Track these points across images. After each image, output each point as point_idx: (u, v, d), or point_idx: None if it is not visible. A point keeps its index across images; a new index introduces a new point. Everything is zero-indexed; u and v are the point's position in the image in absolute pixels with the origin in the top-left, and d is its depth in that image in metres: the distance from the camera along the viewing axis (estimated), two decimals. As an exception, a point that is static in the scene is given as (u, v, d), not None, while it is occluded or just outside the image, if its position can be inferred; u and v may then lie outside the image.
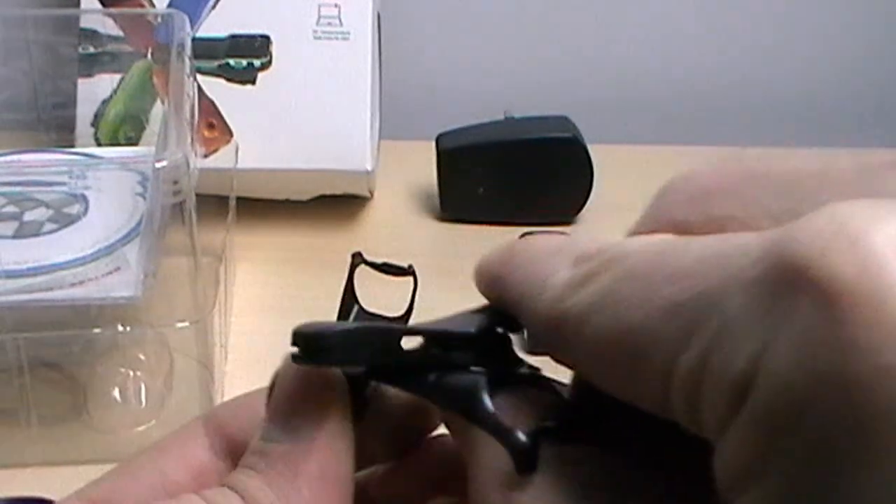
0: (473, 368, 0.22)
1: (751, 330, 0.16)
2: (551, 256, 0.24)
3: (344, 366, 0.24)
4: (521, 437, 0.20)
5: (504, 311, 0.24)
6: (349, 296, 0.50)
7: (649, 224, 0.23)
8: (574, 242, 0.24)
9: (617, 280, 0.20)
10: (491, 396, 0.22)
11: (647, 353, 0.19)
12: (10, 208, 0.54)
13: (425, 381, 0.22)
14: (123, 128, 0.67)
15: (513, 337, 0.24)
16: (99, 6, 0.68)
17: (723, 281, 0.17)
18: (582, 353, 0.21)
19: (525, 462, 0.20)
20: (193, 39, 0.58)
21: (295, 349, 0.23)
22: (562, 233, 0.25)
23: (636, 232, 0.23)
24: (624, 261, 0.20)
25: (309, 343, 0.22)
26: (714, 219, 0.21)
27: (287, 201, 0.69)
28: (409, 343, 0.23)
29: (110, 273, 0.50)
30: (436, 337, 0.23)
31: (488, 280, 0.26)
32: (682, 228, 0.22)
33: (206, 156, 0.64)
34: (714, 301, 0.18)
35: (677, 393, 0.18)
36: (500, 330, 0.24)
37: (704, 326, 0.18)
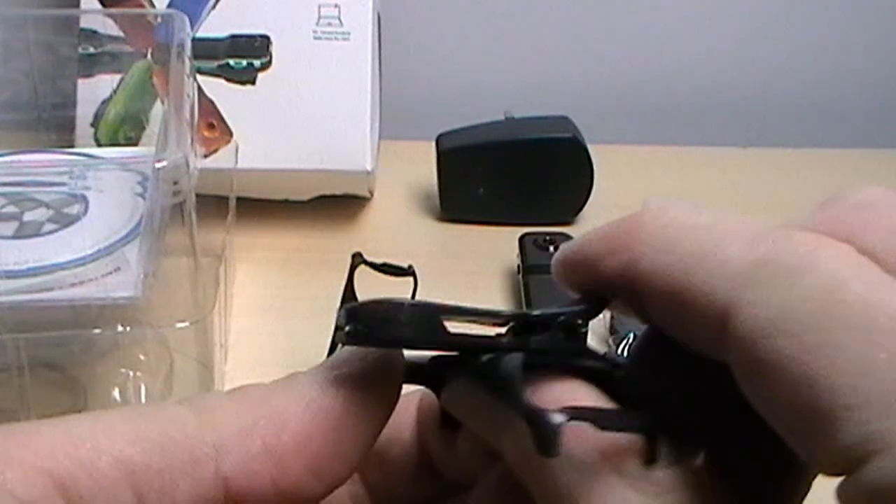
0: (514, 355, 0.20)
1: None
2: (710, 229, 0.19)
3: (410, 347, 0.21)
4: (551, 417, 0.18)
5: (595, 295, 0.21)
6: (349, 296, 0.50)
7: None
8: (735, 220, 0.19)
9: (823, 303, 0.17)
10: (531, 381, 0.20)
11: (835, 423, 0.16)
12: (10, 208, 0.54)
13: (474, 363, 0.21)
14: (123, 128, 0.67)
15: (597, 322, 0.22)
16: (99, 6, 0.68)
17: None
18: (744, 363, 0.18)
19: (545, 443, 0.18)
20: (193, 39, 0.58)
21: (348, 327, 0.20)
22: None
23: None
24: (837, 283, 0.17)
25: (374, 319, 0.20)
26: None
27: (287, 201, 0.69)
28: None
29: (110, 273, 0.50)
30: (508, 319, 0.22)
31: (592, 259, 0.21)
32: (868, 256, 0.18)
33: (206, 156, 0.64)
34: None
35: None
36: (579, 319, 0.21)
37: None
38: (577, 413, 0.18)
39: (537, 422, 0.18)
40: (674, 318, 0.19)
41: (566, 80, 0.87)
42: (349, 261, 0.53)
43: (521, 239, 0.64)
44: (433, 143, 0.70)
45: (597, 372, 0.21)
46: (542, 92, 0.86)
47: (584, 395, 0.20)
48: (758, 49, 0.87)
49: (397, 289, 0.46)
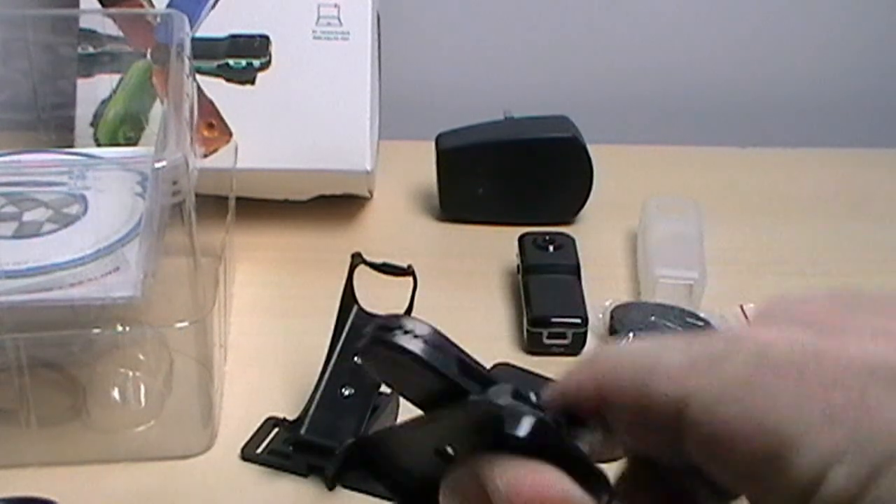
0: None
1: None
2: (654, 346, 0.23)
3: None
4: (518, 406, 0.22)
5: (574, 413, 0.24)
6: (349, 296, 0.50)
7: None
8: (675, 339, 0.23)
9: (754, 367, 0.20)
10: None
11: (789, 456, 0.19)
12: (10, 208, 0.54)
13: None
14: (123, 128, 0.67)
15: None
16: (99, 6, 0.68)
17: None
18: (702, 442, 0.20)
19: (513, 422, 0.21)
20: (193, 39, 0.58)
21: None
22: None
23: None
24: (761, 348, 0.20)
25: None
26: None
27: (286, 201, 0.69)
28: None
29: (110, 273, 0.50)
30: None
31: (575, 385, 0.24)
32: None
33: (205, 156, 0.64)
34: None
35: None
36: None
37: (872, 442, 0.18)
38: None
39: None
40: (639, 429, 0.22)
41: (566, 80, 0.87)
42: (349, 261, 0.53)
43: (521, 239, 0.64)
44: (433, 143, 0.70)
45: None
46: (542, 92, 0.86)
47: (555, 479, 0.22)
48: (758, 49, 0.87)
49: (397, 289, 0.46)
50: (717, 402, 0.20)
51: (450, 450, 0.24)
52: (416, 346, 0.23)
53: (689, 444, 0.21)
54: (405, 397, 0.25)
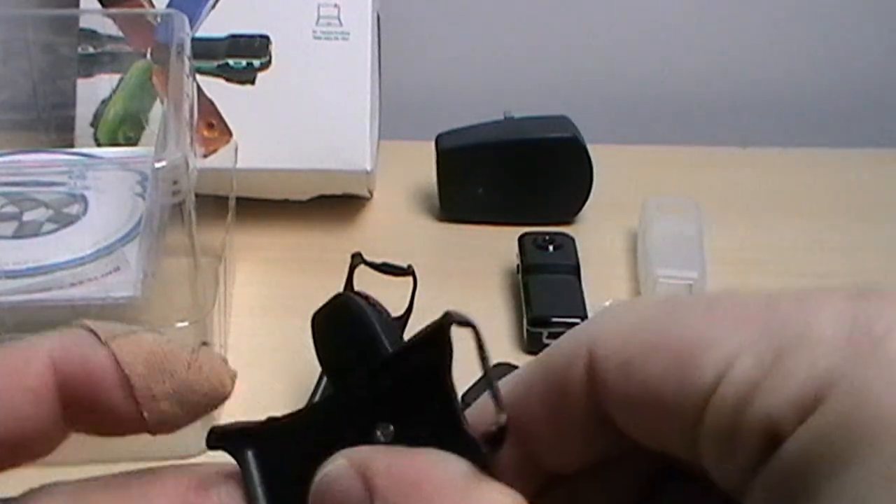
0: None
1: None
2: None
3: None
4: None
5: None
6: (349, 295, 0.50)
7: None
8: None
9: (662, 305, 0.20)
10: None
11: (695, 358, 0.18)
12: (10, 208, 0.54)
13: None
14: (123, 128, 0.67)
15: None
16: (99, 6, 0.68)
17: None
18: (617, 393, 0.19)
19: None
20: (193, 39, 0.58)
21: None
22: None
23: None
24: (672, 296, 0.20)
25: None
26: None
27: (286, 201, 0.69)
28: None
29: (110, 273, 0.50)
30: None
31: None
32: None
33: (205, 156, 0.64)
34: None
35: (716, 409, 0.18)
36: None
37: (782, 328, 0.17)
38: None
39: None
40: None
41: (566, 80, 0.87)
42: (349, 261, 0.53)
43: (521, 238, 0.64)
44: (433, 143, 0.70)
45: None
46: (542, 92, 0.86)
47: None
48: (759, 49, 0.87)
49: (397, 289, 0.46)
50: (626, 341, 0.19)
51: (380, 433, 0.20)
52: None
53: (601, 392, 0.20)
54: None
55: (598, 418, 0.20)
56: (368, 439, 0.20)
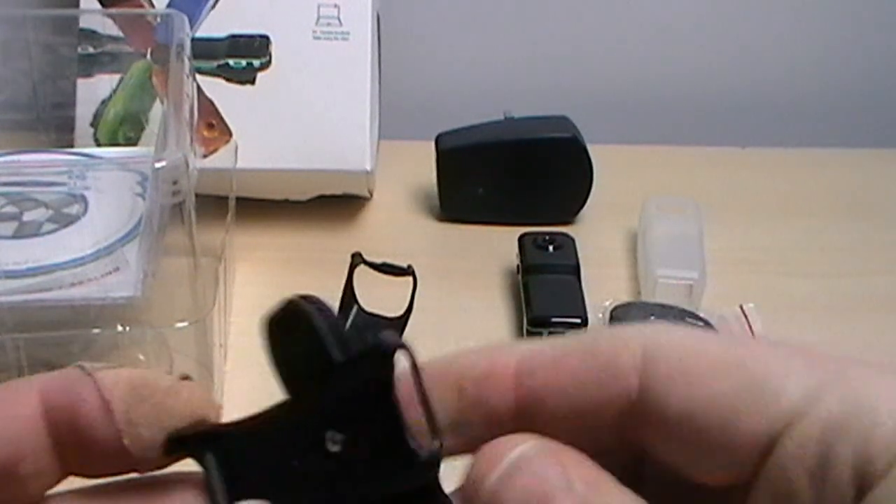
0: None
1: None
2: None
3: None
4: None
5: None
6: (349, 296, 0.50)
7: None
8: None
9: (678, 360, 0.20)
10: None
11: (774, 385, 0.19)
12: (10, 208, 0.54)
13: None
14: (123, 128, 0.67)
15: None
16: (99, 6, 0.68)
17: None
18: (661, 432, 0.20)
19: None
20: (193, 39, 0.58)
21: None
22: None
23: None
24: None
25: None
26: None
27: (286, 201, 0.69)
28: None
29: (110, 273, 0.50)
30: None
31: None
32: None
33: (205, 156, 0.64)
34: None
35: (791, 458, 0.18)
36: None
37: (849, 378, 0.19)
38: None
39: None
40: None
41: (566, 80, 0.87)
42: (349, 261, 0.53)
43: (521, 239, 0.64)
44: (433, 143, 0.70)
45: None
46: (542, 92, 0.86)
47: None
48: (758, 49, 0.87)
49: (397, 288, 0.46)
50: (687, 354, 0.20)
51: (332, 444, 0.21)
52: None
53: (642, 416, 0.20)
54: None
55: (631, 414, 0.20)
56: (319, 447, 0.20)
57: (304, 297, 0.21)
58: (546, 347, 0.22)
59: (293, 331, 0.21)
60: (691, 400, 0.19)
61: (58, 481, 0.22)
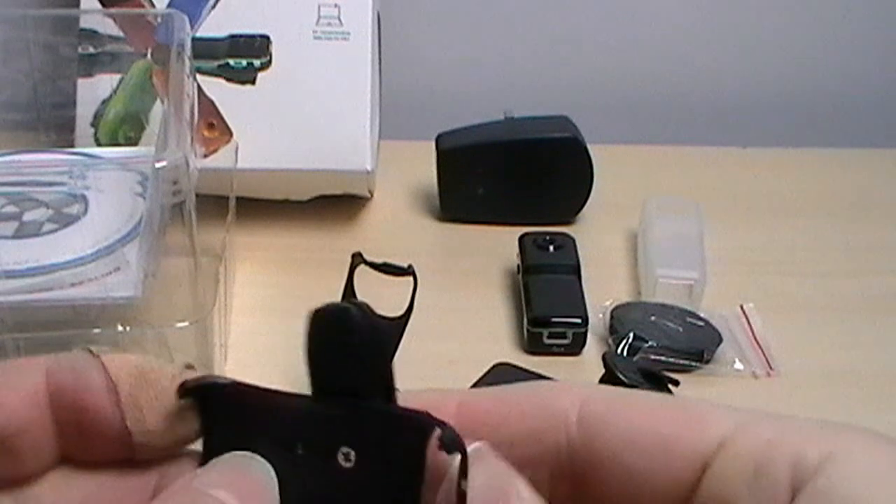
0: None
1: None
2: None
3: None
4: None
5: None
6: (349, 296, 0.50)
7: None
8: None
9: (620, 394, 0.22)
10: None
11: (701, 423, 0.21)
12: (10, 208, 0.54)
13: None
14: (123, 128, 0.67)
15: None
16: (99, 6, 0.68)
17: None
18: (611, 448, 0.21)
19: None
20: (193, 39, 0.58)
21: None
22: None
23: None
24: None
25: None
26: None
27: (287, 201, 0.69)
28: None
29: (110, 273, 0.50)
30: None
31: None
32: None
33: (205, 156, 0.64)
34: None
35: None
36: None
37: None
38: None
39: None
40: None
41: (566, 80, 0.87)
42: (349, 261, 0.53)
43: (521, 239, 0.64)
44: (433, 143, 0.70)
45: None
46: (542, 92, 0.86)
47: None
48: (758, 49, 0.87)
49: (397, 288, 0.46)
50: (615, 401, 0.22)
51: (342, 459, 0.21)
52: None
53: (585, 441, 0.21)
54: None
55: (569, 451, 0.22)
56: (330, 454, 0.20)
57: (358, 306, 0.20)
58: (487, 390, 0.23)
59: (340, 339, 0.20)
60: (631, 428, 0.21)
61: (54, 462, 0.22)
